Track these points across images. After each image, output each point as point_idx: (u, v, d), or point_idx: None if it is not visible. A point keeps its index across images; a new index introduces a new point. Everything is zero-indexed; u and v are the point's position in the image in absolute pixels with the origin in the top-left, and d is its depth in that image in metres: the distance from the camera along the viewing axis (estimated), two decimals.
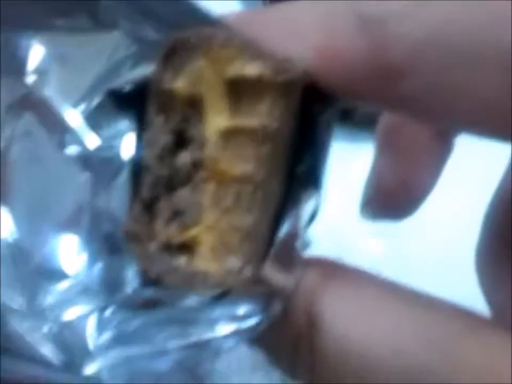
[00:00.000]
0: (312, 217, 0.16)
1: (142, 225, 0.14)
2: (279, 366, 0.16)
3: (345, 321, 0.15)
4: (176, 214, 0.15)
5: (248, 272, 0.14)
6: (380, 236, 0.34)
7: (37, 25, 0.16)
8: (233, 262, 0.14)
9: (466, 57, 0.13)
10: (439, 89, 0.14)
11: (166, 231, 0.14)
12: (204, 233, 0.15)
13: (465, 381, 0.14)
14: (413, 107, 0.15)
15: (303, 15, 0.15)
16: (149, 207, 0.14)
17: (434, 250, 0.34)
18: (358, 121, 0.37)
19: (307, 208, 0.16)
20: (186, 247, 0.15)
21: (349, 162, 0.36)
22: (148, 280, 0.14)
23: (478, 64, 0.13)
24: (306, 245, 0.16)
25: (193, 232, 0.15)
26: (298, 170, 0.16)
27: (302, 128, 0.15)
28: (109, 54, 0.15)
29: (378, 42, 0.14)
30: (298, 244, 0.15)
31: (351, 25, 0.14)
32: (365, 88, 0.15)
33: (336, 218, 0.34)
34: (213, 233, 0.15)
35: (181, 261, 0.14)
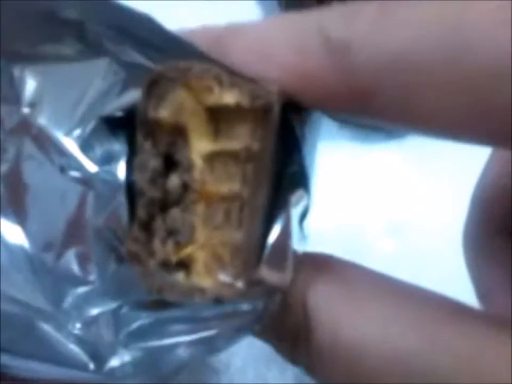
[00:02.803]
0: (303, 216, 0.17)
1: (141, 244, 0.16)
2: (281, 355, 0.18)
3: (335, 313, 0.16)
4: (171, 233, 0.16)
5: (240, 283, 0.16)
6: (393, 234, 0.34)
7: (29, 53, 0.17)
8: (226, 275, 0.16)
9: (427, 78, 0.14)
10: (404, 107, 0.15)
11: (163, 250, 0.16)
12: (198, 251, 0.16)
13: (446, 364, 0.15)
14: (383, 119, 0.16)
15: (275, 36, 0.16)
16: (146, 227, 0.16)
17: (446, 249, 0.35)
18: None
19: (298, 208, 0.17)
20: (183, 264, 0.16)
21: (361, 162, 0.36)
22: (152, 291, 0.16)
23: (436, 84, 0.14)
24: (303, 241, 0.17)
25: (187, 250, 0.16)
26: (286, 173, 0.17)
27: (286, 134, 0.16)
28: (98, 81, 0.16)
29: (345, 64, 0.15)
30: (291, 242, 0.16)
31: (319, 48, 0.15)
32: (338, 105, 0.16)
33: (349, 217, 0.34)
34: (206, 250, 0.16)
35: (179, 277, 0.16)
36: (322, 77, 0.15)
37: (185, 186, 0.16)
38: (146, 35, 0.16)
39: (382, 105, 0.15)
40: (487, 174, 0.22)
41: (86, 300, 0.16)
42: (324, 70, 0.15)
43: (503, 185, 0.22)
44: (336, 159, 0.36)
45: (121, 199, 0.16)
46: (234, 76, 0.16)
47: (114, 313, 0.16)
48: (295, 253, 0.16)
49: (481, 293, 0.22)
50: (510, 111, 0.14)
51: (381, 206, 0.35)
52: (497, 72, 0.14)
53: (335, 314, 0.16)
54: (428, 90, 0.14)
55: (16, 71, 0.16)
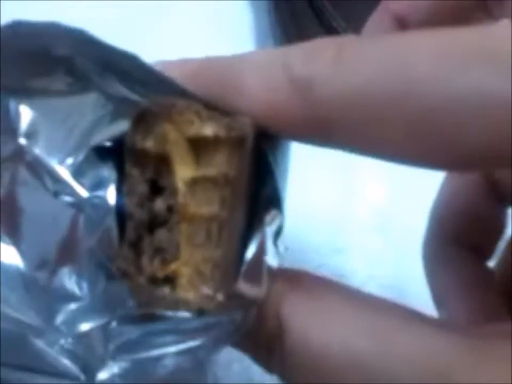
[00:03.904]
0: (277, 234, 0.19)
1: (130, 262, 0.17)
2: (258, 364, 0.19)
3: (305, 322, 0.18)
4: (158, 251, 0.18)
5: (220, 296, 0.18)
6: (378, 230, 0.35)
7: (24, 87, 0.18)
8: (207, 289, 0.18)
9: (380, 112, 0.16)
10: (360, 137, 0.17)
11: (151, 267, 0.17)
12: (182, 267, 0.18)
13: (399, 365, 0.17)
14: (342, 147, 0.17)
15: (246, 72, 0.17)
16: (135, 246, 0.17)
17: None
18: None
19: (272, 227, 0.19)
20: (169, 279, 0.18)
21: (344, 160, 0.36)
22: (141, 305, 0.17)
23: (389, 119, 0.16)
24: (277, 257, 0.19)
25: (173, 266, 0.17)
26: (261, 195, 0.19)
27: (260, 160, 0.18)
28: (88, 113, 0.18)
29: (307, 99, 0.16)
30: (266, 258, 0.18)
31: (285, 84, 0.17)
32: (302, 135, 0.17)
33: (335, 213, 0.35)
34: (189, 266, 0.18)
35: (165, 291, 0.18)
36: (288, 110, 0.17)
37: (170, 209, 0.18)
38: (132, 71, 0.18)
39: (340, 135, 0.17)
40: (443, 191, 0.25)
41: (77, 315, 0.18)
42: (289, 103, 0.17)
43: (456, 202, 0.24)
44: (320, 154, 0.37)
45: (111, 221, 0.17)
46: (212, 109, 0.18)
47: (104, 327, 0.18)
48: (269, 268, 0.18)
49: (437, 298, 0.25)
50: (456, 143, 0.16)
51: (366, 202, 0.36)
52: (438, 108, 0.15)
53: (304, 323, 0.18)
54: (380, 123, 0.16)
55: (12, 105, 0.18)
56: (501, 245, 0.25)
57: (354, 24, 0.27)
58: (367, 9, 0.26)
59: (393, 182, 0.36)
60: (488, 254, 0.25)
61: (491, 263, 0.25)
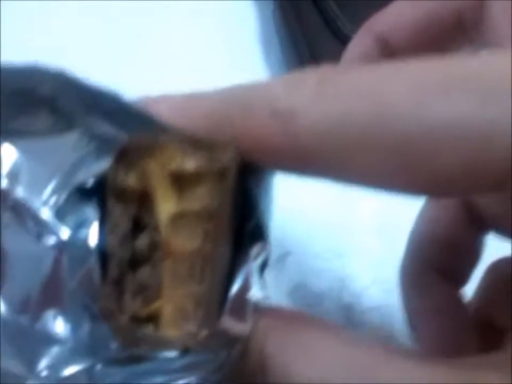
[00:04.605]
0: (263, 267, 0.19)
1: (113, 301, 0.17)
2: None
3: (287, 359, 0.18)
4: (140, 289, 0.17)
5: (203, 333, 0.17)
6: (379, 235, 0.35)
7: (6, 128, 0.18)
8: (190, 326, 0.17)
9: (358, 142, 0.16)
10: (341, 166, 0.17)
11: (133, 305, 0.17)
12: (165, 304, 0.17)
13: None
14: (324, 176, 0.18)
15: (229, 105, 0.18)
16: (117, 285, 0.17)
17: None
18: None
19: (257, 261, 0.19)
20: (152, 317, 0.17)
21: None
22: (124, 345, 0.17)
23: (367, 147, 0.16)
24: (263, 290, 0.19)
25: (156, 304, 0.17)
26: (246, 229, 0.18)
27: (244, 193, 0.18)
28: (71, 153, 0.17)
29: (289, 131, 0.17)
30: (251, 295, 0.18)
31: (266, 115, 0.17)
32: (285, 164, 0.17)
33: (335, 217, 0.35)
34: (172, 302, 0.18)
35: (148, 330, 0.17)
36: (270, 141, 0.17)
37: (153, 246, 0.17)
38: (113, 109, 0.18)
39: (321, 164, 0.17)
40: (422, 217, 0.25)
41: (61, 359, 0.17)
42: (271, 135, 0.17)
43: (433, 229, 0.24)
44: None
45: (93, 261, 0.17)
46: (194, 143, 0.17)
47: (89, 371, 0.17)
48: (254, 304, 0.18)
49: (412, 323, 0.25)
50: (434, 170, 0.16)
51: (367, 206, 0.36)
52: (414, 136, 0.16)
53: (287, 361, 0.18)
54: (360, 152, 0.16)
55: None
56: (478, 274, 0.25)
57: (360, 25, 0.27)
58: (373, 10, 0.26)
59: None
60: (462, 282, 0.25)
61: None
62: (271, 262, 0.19)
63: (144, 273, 0.17)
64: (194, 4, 0.39)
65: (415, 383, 0.17)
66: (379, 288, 0.34)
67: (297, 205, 0.34)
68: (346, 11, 0.36)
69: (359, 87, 0.16)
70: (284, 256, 0.34)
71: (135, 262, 0.17)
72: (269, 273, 0.19)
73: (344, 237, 0.35)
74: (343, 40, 0.35)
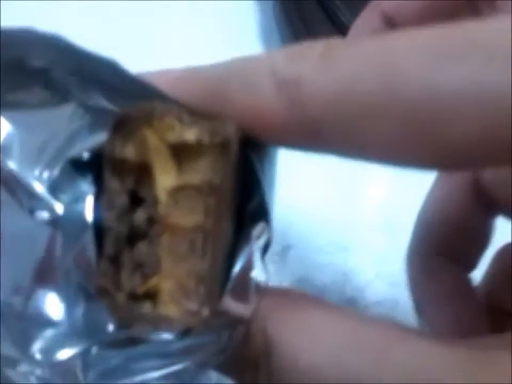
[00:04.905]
0: (265, 249, 0.18)
1: (109, 278, 0.16)
2: None
3: (294, 341, 0.17)
4: (138, 266, 0.17)
5: (205, 312, 0.17)
6: (383, 228, 0.35)
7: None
8: (191, 304, 0.17)
9: (367, 109, 0.15)
10: (349, 137, 0.16)
11: (131, 282, 0.16)
12: (163, 281, 0.17)
13: (388, 379, 0.16)
14: (331, 150, 0.17)
15: (229, 78, 0.17)
16: (114, 261, 0.16)
17: None
18: None
19: (260, 241, 0.18)
20: (150, 295, 0.17)
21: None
22: (121, 325, 0.16)
23: (376, 115, 0.15)
24: (265, 272, 0.18)
25: (153, 281, 0.17)
26: (248, 208, 0.18)
27: (246, 170, 0.17)
28: (66, 125, 0.17)
29: (294, 100, 0.16)
30: (254, 275, 0.17)
31: (270, 87, 0.16)
32: (289, 139, 0.17)
33: (339, 211, 0.35)
34: (171, 279, 0.17)
35: (146, 307, 0.17)
36: (275, 114, 0.16)
37: (151, 220, 0.17)
38: (110, 79, 0.17)
39: (329, 135, 0.16)
40: (430, 200, 0.24)
41: (55, 342, 0.17)
42: (276, 107, 0.16)
43: (442, 211, 0.23)
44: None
45: (88, 237, 0.16)
46: (194, 114, 0.17)
47: (84, 354, 0.17)
48: (257, 285, 0.17)
49: (418, 308, 0.24)
50: (446, 139, 0.15)
51: (371, 199, 0.36)
52: (425, 102, 0.15)
53: (294, 342, 0.17)
54: (368, 119, 0.15)
55: None
56: (487, 258, 0.25)
57: None
58: None
59: (398, 179, 0.36)
60: (471, 266, 0.25)
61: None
62: (273, 256, 0.18)
63: (142, 249, 0.17)
64: (194, 3, 0.39)
65: (429, 363, 0.16)
66: (383, 282, 0.34)
67: (300, 198, 0.34)
68: (349, 8, 0.35)
69: (367, 53, 0.16)
70: (286, 249, 0.34)
71: (132, 238, 0.17)
72: (271, 267, 0.18)
73: (347, 231, 0.35)
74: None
